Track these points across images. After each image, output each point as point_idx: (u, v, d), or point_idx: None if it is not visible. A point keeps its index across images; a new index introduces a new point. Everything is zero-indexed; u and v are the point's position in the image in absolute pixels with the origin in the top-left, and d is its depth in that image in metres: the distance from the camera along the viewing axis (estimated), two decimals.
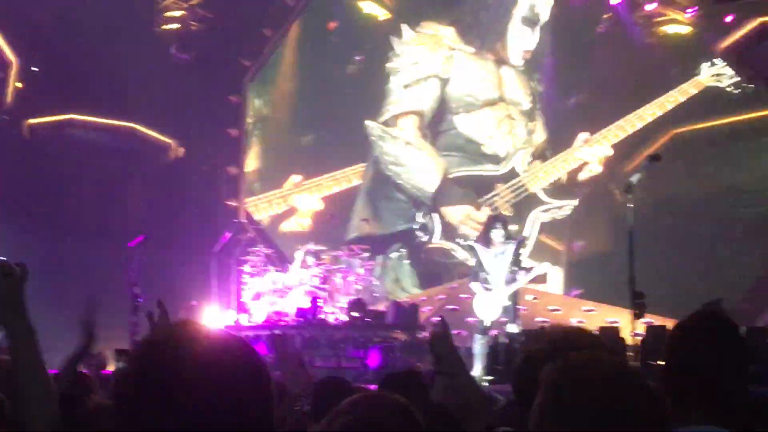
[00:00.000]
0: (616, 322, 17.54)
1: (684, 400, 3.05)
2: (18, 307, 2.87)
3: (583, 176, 22.94)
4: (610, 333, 14.88)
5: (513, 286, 14.94)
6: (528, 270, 15.54)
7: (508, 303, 14.72)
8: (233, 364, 1.95)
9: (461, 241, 22.20)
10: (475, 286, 15.27)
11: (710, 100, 22.09)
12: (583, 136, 22.69)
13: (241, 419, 1.92)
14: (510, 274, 14.98)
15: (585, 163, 22.77)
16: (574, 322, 18.75)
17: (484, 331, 15.13)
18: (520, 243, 15.66)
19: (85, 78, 21.29)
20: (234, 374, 1.93)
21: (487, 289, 14.95)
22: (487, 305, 14.96)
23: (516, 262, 15.12)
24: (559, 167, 23.15)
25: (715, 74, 21.84)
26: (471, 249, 15.64)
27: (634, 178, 12.63)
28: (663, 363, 3.20)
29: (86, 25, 20.59)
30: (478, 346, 15.04)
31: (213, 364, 1.92)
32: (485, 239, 15.35)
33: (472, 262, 16.35)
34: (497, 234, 15.11)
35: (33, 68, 21.68)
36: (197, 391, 1.88)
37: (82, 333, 3.69)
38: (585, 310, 20.45)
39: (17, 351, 2.86)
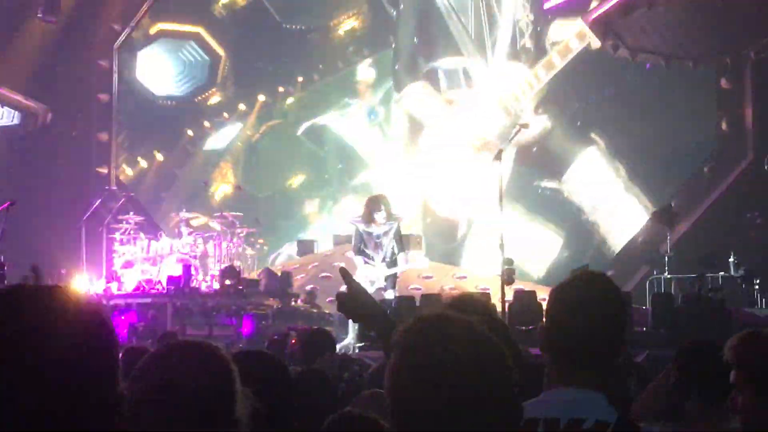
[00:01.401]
0: (486, 288, 17.80)
1: (559, 360, 3.09)
2: None
3: None
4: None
5: (393, 270, 14.97)
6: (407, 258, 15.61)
7: (385, 283, 14.78)
8: (75, 329, 1.93)
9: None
10: (357, 259, 15.19)
11: None
12: None
13: (78, 388, 1.90)
14: (391, 256, 15.01)
15: None
16: (446, 289, 18.96)
17: None
18: (399, 223, 15.65)
19: None
20: (74, 340, 1.92)
21: (367, 263, 14.96)
22: (368, 278, 15.00)
23: (398, 241, 15.10)
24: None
25: None
26: (353, 226, 15.55)
27: (505, 146, 12.80)
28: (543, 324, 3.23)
29: None
30: None
31: (52, 327, 1.91)
32: (366, 219, 15.26)
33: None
34: (380, 216, 15.09)
35: None
36: (32, 352, 1.87)
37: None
38: (457, 277, 20.70)
39: None
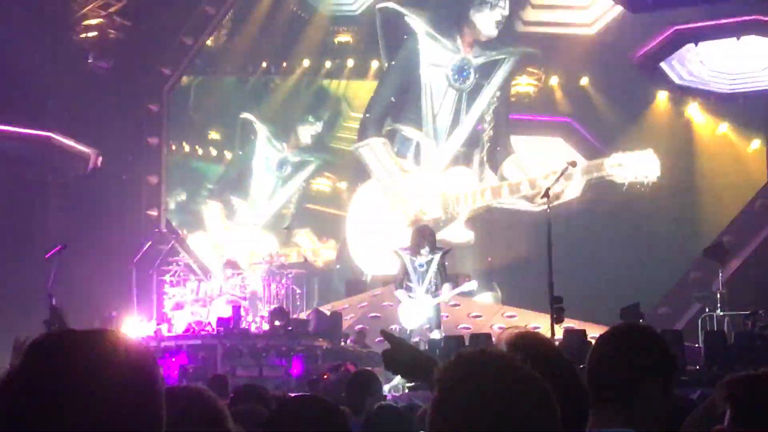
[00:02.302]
0: (537, 327, 17.69)
1: (605, 404, 3.08)
2: None
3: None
4: None
5: (438, 299, 15.00)
6: (455, 284, 15.62)
7: (432, 314, 14.75)
8: (122, 376, 1.91)
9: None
10: (400, 294, 15.30)
11: None
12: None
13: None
14: (435, 283, 15.04)
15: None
16: (495, 328, 18.87)
17: (406, 338, 15.14)
18: (446, 253, 15.73)
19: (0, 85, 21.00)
20: (121, 386, 1.90)
21: (411, 297, 14.99)
22: (412, 313, 15.01)
23: (441, 272, 15.17)
24: (511, 189, 23.39)
25: None
26: (398, 255, 15.65)
27: (552, 184, 12.75)
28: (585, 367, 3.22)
29: (1, 31, 20.30)
30: None
31: (99, 373, 1.89)
32: (413, 249, 15.39)
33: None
34: (425, 250, 15.18)
35: None
36: (80, 399, 1.87)
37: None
38: (506, 316, 20.58)
39: None
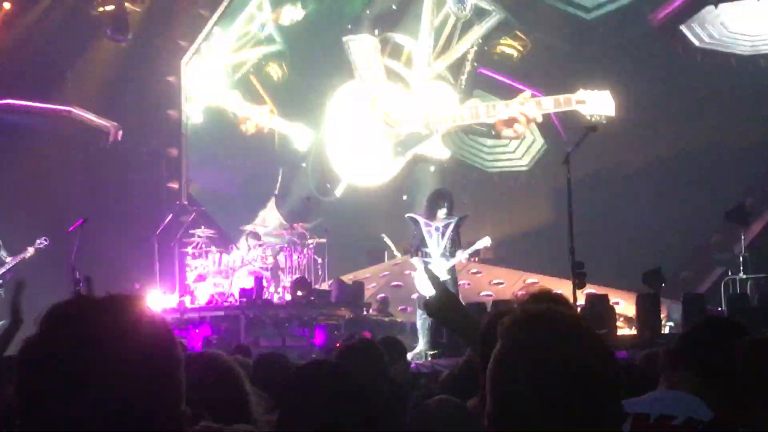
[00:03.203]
0: (559, 293, 17.68)
1: (676, 367, 3.12)
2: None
3: (507, 132, 23.03)
4: None
5: (452, 261, 14.96)
6: (470, 244, 15.59)
7: (447, 277, 14.71)
8: (140, 341, 1.92)
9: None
10: (415, 260, 15.30)
11: None
12: (527, 93, 22.68)
13: (144, 403, 1.90)
14: (450, 249, 15.01)
15: (513, 119, 22.73)
16: (518, 294, 18.85)
17: None
18: (461, 220, 15.62)
19: (19, 62, 21.06)
20: (140, 352, 1.91)
21: (427, 263, 14.97)
22: (428, 279, 14.98)
23: (455, 239, 15.12)
24: (488, 110, 23.22)
25: None
26: (413, 221, 15.59)
27: (572, 149, 12.69)
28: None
29: (20, 7, 20.36)
30: (420, 321, 15.11)
31: (118, 338, 1.90)
32: (429, 213, 15.33)
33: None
34: (441, 211, 15.13)
35: None
36: (99, 365, 1.87)
37: (10, 315, 3.66)
38: (528, 283, 20.58)
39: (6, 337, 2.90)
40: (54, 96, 21.89)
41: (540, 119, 22.31)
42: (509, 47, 24.25)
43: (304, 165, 23.27)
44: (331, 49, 25.13)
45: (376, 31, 24.70)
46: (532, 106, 22.27)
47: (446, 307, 3.19)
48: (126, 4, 23.02)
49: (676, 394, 3.04)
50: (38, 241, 17.44)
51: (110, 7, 22.92)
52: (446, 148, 23.60)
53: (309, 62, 25.75)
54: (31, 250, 17.34)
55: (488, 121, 22.94)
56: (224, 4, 24.55)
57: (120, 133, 23.00)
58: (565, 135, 21.89)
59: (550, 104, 22.05)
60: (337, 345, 11.61)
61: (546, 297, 3.13)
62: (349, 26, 25.05)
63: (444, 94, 23.82)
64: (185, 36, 24.32)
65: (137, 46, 23.15)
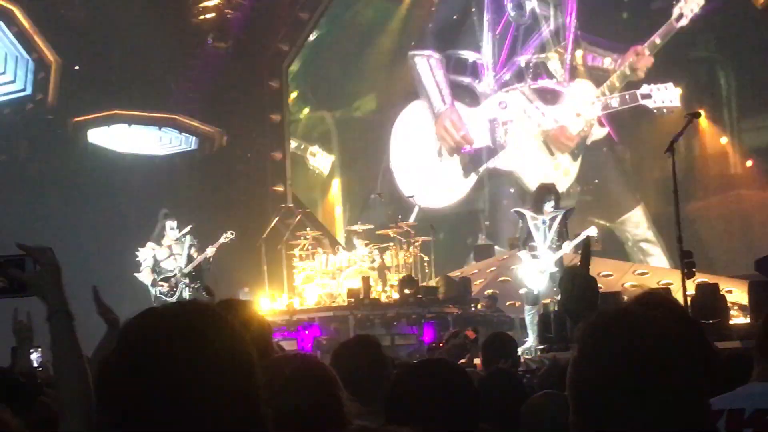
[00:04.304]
0: (669, 283, 17.42)
1: (762, 357, 3.02)
2: (59, 291, 2.99)
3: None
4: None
5: (559, 253, 14.87)
6: (576, 235, 15.46)
7: (555, 269, 14.62)
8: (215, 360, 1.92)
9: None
10: (523, 254, 15.23)
11: None
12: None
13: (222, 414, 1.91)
14: (557, 242, 14.92)
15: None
16: (626, 286, 18.64)
17: (534, 300, 15.09)
18: (569, 213, 15.54)
19: (125, 73, 21.46)
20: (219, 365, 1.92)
21: (534, 257, 14.88)
22: (535, 273, 14.91)
23: (562, 231, 15.04)
24: None
25: None
26: (520, 215, 15.54)
27: (675, 137, 12.47)
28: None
29: (123, 20, 20.74)
30: (529, 317, 15.03)
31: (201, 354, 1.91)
32: (535, 207, 15.28)
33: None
34: (549, 205, 15.07)
35: (74, 67, 21.87)
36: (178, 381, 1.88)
37: (107, 323, 3.71)
38: (637, 274, 20.30)
39: (57, 335, 2.94)
40: (159, 105, 22.27)
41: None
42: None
43: (373, 196, 23.26)
44: (349, 64, 25.46)
45: (438, 46, 24.86)
46: (598, 108, 22.47)
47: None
48: (226, 11, 23.32)
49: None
50: (224, 235, 17.66)
51: (211, 15, 23.25)
52: (603, 128, 23.60)
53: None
54: (212, 249, 17.59)
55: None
56: (323, 6, 24.71)
57: (225, 138, 23.31)
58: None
59: (659, 38, 22.17)
60: (441, 344, 11.58)
61: (651, 297, 3.08)
62: (413, 43, 25.08)
63: (582, 84, 23.82)
64: (285, 40, 24.52)
65: (239, 52, 23.43)
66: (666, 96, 21.81)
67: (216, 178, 22.72)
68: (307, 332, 17.89)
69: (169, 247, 17.52)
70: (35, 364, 8.87)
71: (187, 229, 17.51)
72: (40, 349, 9.25)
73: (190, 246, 17.50)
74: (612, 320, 2.17)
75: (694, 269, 12.43)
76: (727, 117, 22.78)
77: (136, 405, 1.88)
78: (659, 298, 3.26)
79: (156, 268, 17.45)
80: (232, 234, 17.61)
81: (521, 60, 24.25)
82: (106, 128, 22.22)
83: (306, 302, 19.28)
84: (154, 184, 21.33)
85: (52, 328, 2.93)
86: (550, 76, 24.19)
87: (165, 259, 17.47)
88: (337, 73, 25.85)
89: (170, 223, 17.53)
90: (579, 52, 23.82)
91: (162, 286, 17.32)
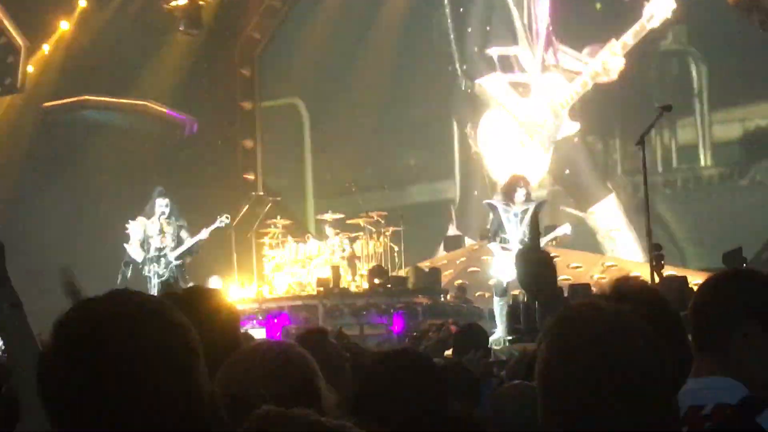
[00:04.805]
0: (638, 275, 17.49)
1: (704, 351, 2.98)
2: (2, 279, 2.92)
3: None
4: None
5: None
6: (550, 229, 15.49)
7: None
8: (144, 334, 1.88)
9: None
10: (493, 246, 15.23)
11: None
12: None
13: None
14: (529, 235, 14.92)
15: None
16: (595, 278, 18.72)
17: (503, 291, 15.10)
18: (540, 205, 15.54)
19: (95, 58, 21.33)
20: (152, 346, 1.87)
21: (505, 249, 14.88)
22: (506, 265, 14.93)
23: (534, 224, 15.04)
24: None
25: None
26: (491, 207, 15.53)
27: (646, 131, 12.49)
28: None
29: (94, 4, 20.63)
30: (498, 308, 15.03)
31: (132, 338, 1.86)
32: (506, 197, 15.24)
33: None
34: (520, 194, 15.03)
35: (44, 51, 21.70)
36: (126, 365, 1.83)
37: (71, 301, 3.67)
38: (606, 266, 20.40)
39: (7, 323, 2.89)
40: (130, 91, 22.16)
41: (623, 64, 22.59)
42: None
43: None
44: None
45: (476, 48, 24.91)
46: (619, 52, 22.57)
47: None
48: None
49: (703, 381, 2.89)
50: (219, 219, 17.64)
51: (183, 2, 23.11)
52: (575, 122, 23.63)
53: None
54: (206, 232, 17.56)
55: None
56: None
57: (195, 125, 23.23)
58: None
59: (631, 38, 22.41)
60: (429, 334, 11.57)
61: (627, 285, 3.05)
62: (464, 67, 25.10)
63: (553, 77, 23.88)
64: (257, 28, 24.45)
65: (210, 40, 23.32)
66: (663, 6, 21.89)
67: (187, 165, 22.63)
68: (276, 321, 17.85)
69: (161, 224, 17.43)
70: None
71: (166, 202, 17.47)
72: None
73: (180, 227, 17.44)
74: (579, 315, 2.16)
75: (663, 262, 12.49)
76: (698, 109, 22.90)
77: (69, 401, 1.83)
78: (635, 286, 3.23)
79: (144, 244, 17.36)
80: (227, 218, 17.62)
81: (493, 52, 24.29)
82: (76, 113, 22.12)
83: (275, 291, 19.27)
84: (125, 168, 21.24)
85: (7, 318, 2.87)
86: (522, 69, 24.24)
87: (154, 236, 17.38)
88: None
89: (161, 201, 17.44)
90: (550, 50, 23.89)
91: (156, 266, 17.27)
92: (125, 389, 1.82)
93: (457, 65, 25.14)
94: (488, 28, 24.79)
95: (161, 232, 17.35)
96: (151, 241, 17.32)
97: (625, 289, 3.01)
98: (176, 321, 1.93)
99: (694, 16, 22.25)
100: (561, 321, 2.15)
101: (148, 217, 17.47)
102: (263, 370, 2.62)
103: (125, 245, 17.46)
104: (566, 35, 23.71)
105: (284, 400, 2.40)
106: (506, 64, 24.46)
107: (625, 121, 22.66)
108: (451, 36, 25.17)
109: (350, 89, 25.43)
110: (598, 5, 23.92)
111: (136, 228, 17.43)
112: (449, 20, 25.19)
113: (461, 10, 25.08)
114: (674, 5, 21.77)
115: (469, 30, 25.05)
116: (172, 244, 17.29)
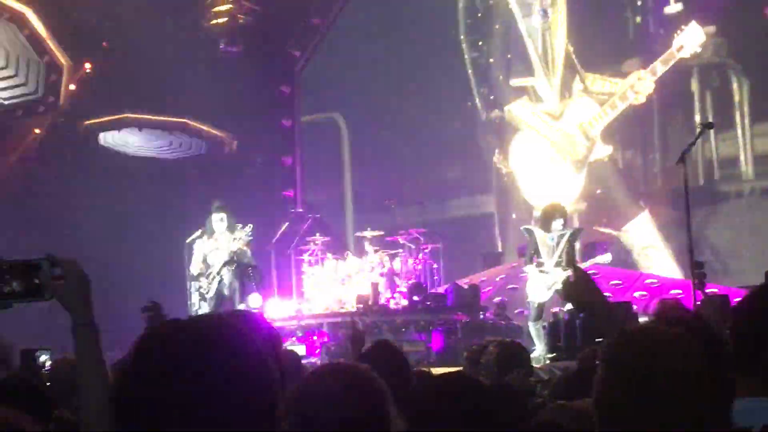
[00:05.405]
0: (679, 294, 17.40)
1: (743, 371, 2.95)
2: (87, 304, 2.97)
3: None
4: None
5: (569, 271, 14.84)
6: (590, 248, 15.52)
7: (565, 275, 14.65)
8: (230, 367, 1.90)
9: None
10: (530, 269, 15.31)
11: None
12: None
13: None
14: (565, 259, 14.97)
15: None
16: (636, 295, 18.64)
17: (538, 315, 15.20)
18: (577, 232, 15.75)
19: (136, 76, 21.48)
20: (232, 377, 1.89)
21: (542, 272, 14.94)
22: (542, 288, 14.97)
23: (571, 251, 15.15)
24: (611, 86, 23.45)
25: None
26: (528, 232, 15.66)
27: (687, 148, 12.45)
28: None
29: (134, 24, 20.77)
30: (534, 330, 15.12)
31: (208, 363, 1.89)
32: (544, 225, 15.39)
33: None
34: (557, 224, 15.18)
35: (86, 70, 21.89)
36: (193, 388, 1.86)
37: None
38: (647, 283, 20.28)
39: (82, 347, 2.92)
40: (170, 109, 22.30)
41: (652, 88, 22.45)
42: None
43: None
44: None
45: (501, 77, 25.11)
46: (648, 78, 22.41)
47: (584, 288, 3.18)
48: (238, 16, 23.34)
49: (750, 402, 2.85)
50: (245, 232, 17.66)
51: (223, 19, 23.27)
52: (608, 145, 23.63)
53: None
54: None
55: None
56: (335, 12, 24.73)
57: (235, 143, 23.32)
58: None
59: (659, 65, 22.24)
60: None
61: (670, 312, 3.04)
62: (492, 97, 25.27)
63: (582, 102, 23.83)
64: (297, 45, 24.55)
65: (250, 57, 23.43)
66: (693, 39, 21.74)
67: (226, 182, 22.72)
68: (315, 338, 17.89)
69: (216, 240, 17.45)
70: (46, 367, 8.88)
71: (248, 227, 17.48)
72: (49, 352, 9.26)
73: (236, 239, 17.37)
74: (633, 339, 2.19)
75: (705, 279, 12.42)
76: (739, 122, 22.76)
77: (149, 418, 1.87)
78: (678, 312, 3.22)
79: (205, 260, 17.41)
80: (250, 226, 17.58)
81: (514, 83, 24.60)
82: (117, 132, 22.27)
83: (314, 308, 19.28)
84: (163, 187, 21.35)
85: (77, 339, 2.92)
86: (539, 99, 24.37)
87: (211, 252, 17.41)
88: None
89: (217, 216, 17.45)
90: (577, 78, 23.89)
91: (200, 282, 17.31)
92: (206, 407, 1.86)
93: (477, 99, 25.61)
94: (509, 56, 24.87)
95: (216, 248, 17.37)
96: (209, 258, 17.35)
97: (664, 311, 3.02)
98: (260, 345, 1.98)
99: (732, 29, 22.13)
100: (616, 345, 2.20)
101: (209, 235, 17.46)
102: (335, 394, 2.62)
103: (188, 269, 17.53)
104: (593, 58, 23.61)
105: (353, 424, 2.41)
106: (529, 94, 24.51)
107: (664, 135, 22.57)
108: (469, 71, 25.63)
109: (388, 104, 25.52)
110: (638, 18, 23.88)
111: (198, 246, 17.46)
112: (465, 55, 25.78)
113: (480, 43, 25.51)
114: (704, 39, 21.70)
115: (491, 60, 25.08)
116: (227, 258, 17.28)
